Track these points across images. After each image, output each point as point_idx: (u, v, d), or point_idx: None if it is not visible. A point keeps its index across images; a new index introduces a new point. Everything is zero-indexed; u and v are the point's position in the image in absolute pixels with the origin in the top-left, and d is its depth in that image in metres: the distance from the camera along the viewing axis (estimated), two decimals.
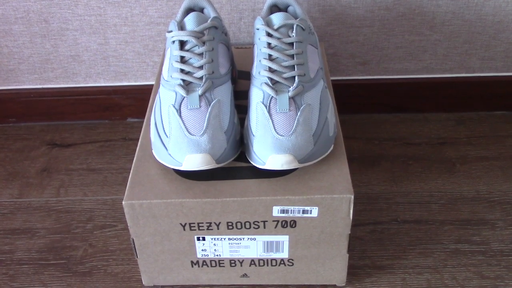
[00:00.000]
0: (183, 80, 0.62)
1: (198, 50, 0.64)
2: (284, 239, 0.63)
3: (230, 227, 0.61)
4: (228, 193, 0.59)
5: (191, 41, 0.64)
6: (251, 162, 0.61)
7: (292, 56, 0.63)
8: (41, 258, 0.74)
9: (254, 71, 0.65)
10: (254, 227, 0.61)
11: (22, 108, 0.98)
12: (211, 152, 0.58)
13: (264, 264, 0.66)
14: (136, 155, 0.65)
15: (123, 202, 0.59)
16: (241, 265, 0.66)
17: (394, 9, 0.87)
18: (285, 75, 0.62)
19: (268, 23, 0.65)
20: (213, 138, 0.58)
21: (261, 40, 0.64)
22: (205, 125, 0.59)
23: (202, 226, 0.61)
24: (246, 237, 0.63)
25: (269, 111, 0.61)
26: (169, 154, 0.59)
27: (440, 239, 0.75)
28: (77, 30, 0.89)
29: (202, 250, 0.64)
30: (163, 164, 0.62)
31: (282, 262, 0.66)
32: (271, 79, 0.62)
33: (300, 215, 0.60)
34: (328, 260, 0.65)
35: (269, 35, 0.64)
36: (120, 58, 0.93)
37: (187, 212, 0.60)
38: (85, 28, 0.89)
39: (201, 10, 0.72)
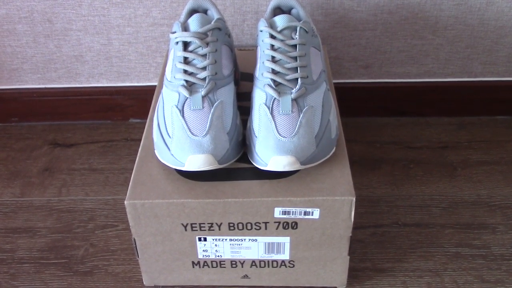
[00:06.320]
0: (186, 81, 0.63)
1: (201, 51, 0.64)
2: (285, 240, 0.63)
3: (232, 228, 0.62)
4: (230, 194, 0.59)
5: (195, 42, 0.64)
6: (253, 163, 0.61)
7: (295, 58, 0.63)
8: (42, 257, 0.74)
9: (257, 73, 0.65)
10: (255, 228, 0.62)
11: (24, 107, 0.98)
12: (213, 153, 0.58)
13: (265, 266, 0.66)
14: (138, 155, 0.65)
15: (125, 202, 0.59)
16: (242, 266, 0.66)
17: (397, 13, 0.87)
18: (288, 77, 0.62)
19: (272, 25, 0.65)
20: (216, 139, 0.59)
21: (264, 42, 0.65)
22: (207, 125, 0.59)
23: (204, 227, 0.62)
24: (247, 238, 0.63)
25: (271, 113, 0.61)
26: (172, 155, 0.59)
27: (441, 242, 0.75)
28: (81, 30, 0.90)
29: (203, 250, 0.64)
30: (165, 165, 0.62)
31: (283, 264, 0.66)
32: (274, 80, 0.62)
33: (302, 216, 0.60)
34: (329, 262, 0.65)
35: (272, 37, 0.64)
36: (123, 58, 0.93)
37: (189, 213, 0.60)
38: (88, 28, 0.89)
39: (205, 11, 0.72)
